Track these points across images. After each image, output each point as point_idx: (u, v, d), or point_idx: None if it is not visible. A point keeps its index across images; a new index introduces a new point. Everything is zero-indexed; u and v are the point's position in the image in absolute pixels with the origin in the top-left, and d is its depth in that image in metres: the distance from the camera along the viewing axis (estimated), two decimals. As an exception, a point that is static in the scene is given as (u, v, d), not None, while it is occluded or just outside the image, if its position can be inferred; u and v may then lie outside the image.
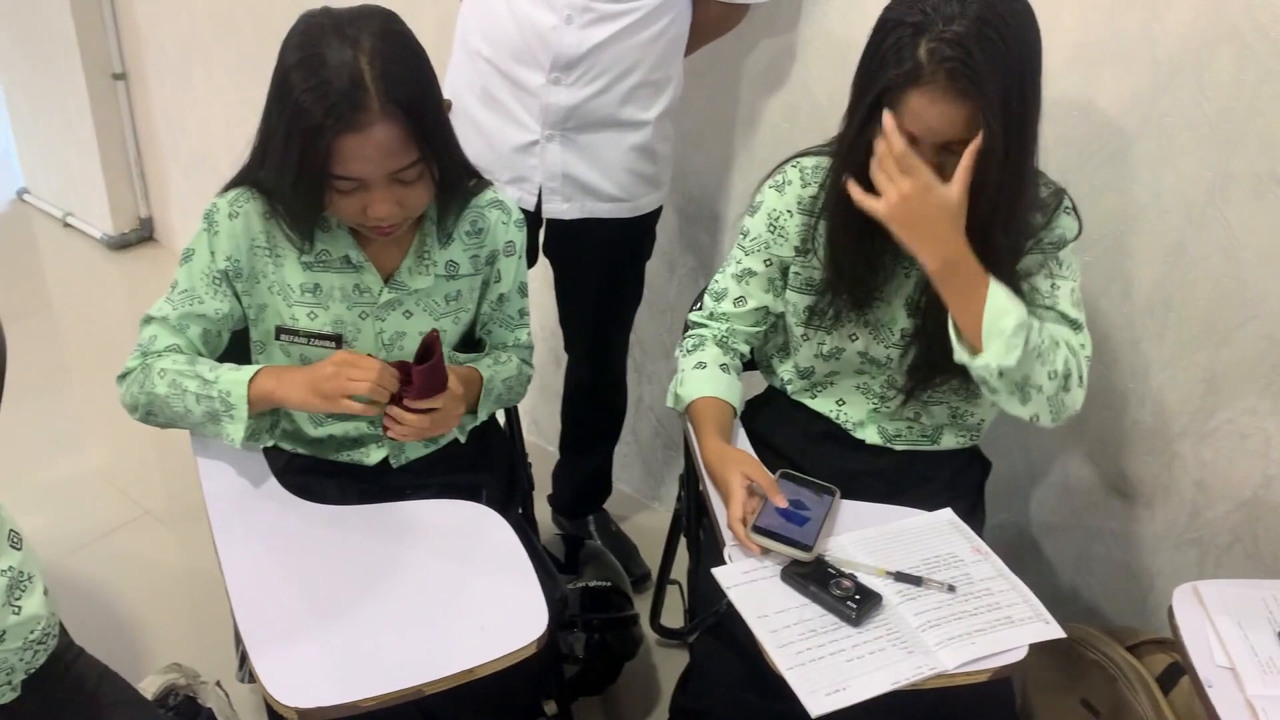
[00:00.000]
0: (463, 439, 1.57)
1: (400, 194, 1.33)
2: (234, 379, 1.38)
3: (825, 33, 1.89)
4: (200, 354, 1.47)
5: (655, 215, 1.98)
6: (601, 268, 1.99)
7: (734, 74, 2.04)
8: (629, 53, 1.73)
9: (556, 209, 1.86)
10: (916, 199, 1.30)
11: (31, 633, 1.13)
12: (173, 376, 1.40)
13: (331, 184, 1.30)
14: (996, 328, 1.32)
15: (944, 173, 1.31)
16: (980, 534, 1.44)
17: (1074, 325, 1.44)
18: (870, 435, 1.59)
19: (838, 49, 1.88)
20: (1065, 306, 1.44)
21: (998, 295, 1.33)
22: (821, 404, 1.60)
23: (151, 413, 1.45)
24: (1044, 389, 1.37)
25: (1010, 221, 1.36)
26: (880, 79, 1.30)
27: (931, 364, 1.47)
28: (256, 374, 1.39)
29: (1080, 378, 1.41)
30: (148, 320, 1.47)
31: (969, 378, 1.41)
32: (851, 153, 1.37)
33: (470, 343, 1.62)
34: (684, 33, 1.82)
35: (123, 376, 1.46)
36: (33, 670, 1.17)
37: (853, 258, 1.45)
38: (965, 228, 1.32)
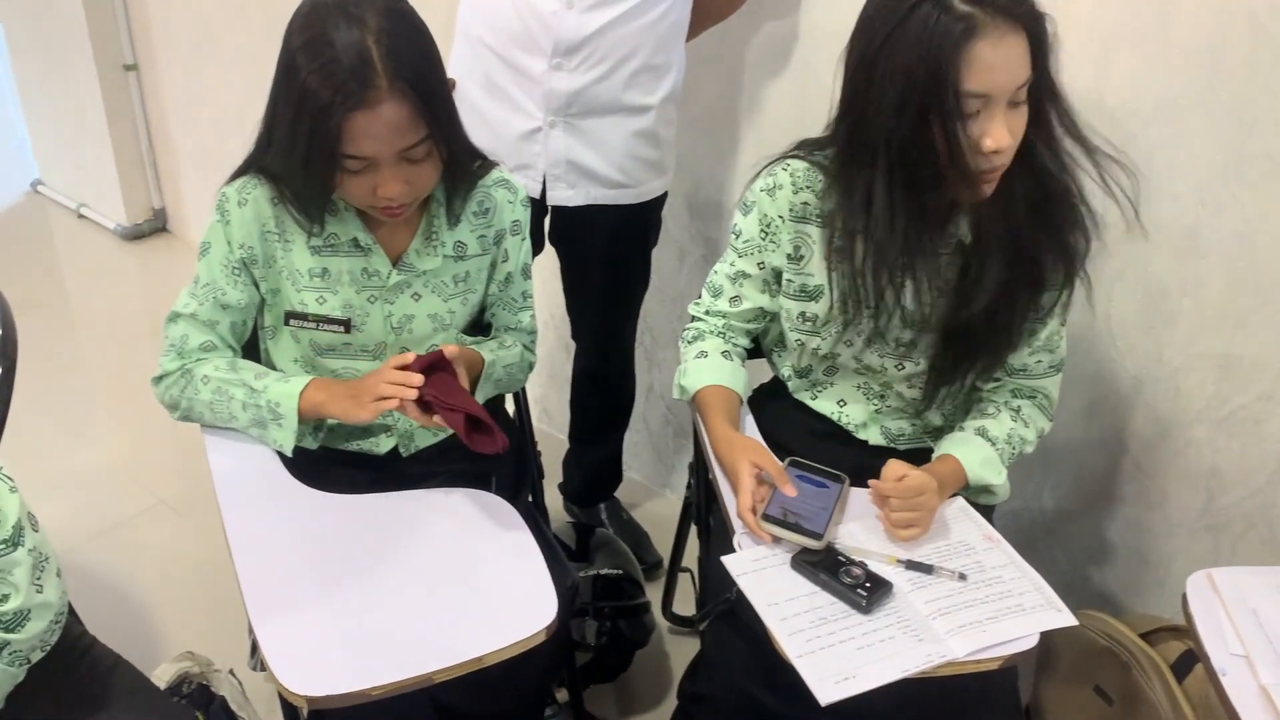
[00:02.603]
0: None
1: (409, 173, 1.33)
2: (284, 391, 1.42)
3: (830, 15, 1.87)
4: (232, 347, 1.50)
5: (660, 201, 1.98)
6: (607, 255, 1.99)
7: (739, 59, 2.03)
8: (630, 37, 1.72)
9: (561, 196, 1.86)
10: (925, 518, 1.36)
11: (51, 612, 1.16)
12: (217, 384, 1.44)
13: (341, 164, 1.30)
14: (985, 488, 1.45)
15: (1015, 134, 1.25)
16: (992, 521, 1.43)
17: (1056, 368, 1.51)
18: (873, 436, 1.57)
19: (843, 31, 1.85)
20: (1057, 340, 1.48)
21: (973, 467, 1.43)
22: (823, 405, 1.58)
23: (190, 416, 1.49)
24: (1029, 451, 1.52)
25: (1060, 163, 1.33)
26: (934, 56, 1.18)
27: (943, 386, 1.48)
28: (307, 387, 1.42)
29: (1049, 418, 1.53)
30: (175, 317, 1.48)
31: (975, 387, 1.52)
32: (911, 156, 1.26)
33: (478, 325, 1.62)
34: (685, 17, 1.81)
35: (159, 379, 1.49)
36: (48, 649, 1.19)
37: (851, 287, 1.40)
38: (1004, 193, 1.31)
